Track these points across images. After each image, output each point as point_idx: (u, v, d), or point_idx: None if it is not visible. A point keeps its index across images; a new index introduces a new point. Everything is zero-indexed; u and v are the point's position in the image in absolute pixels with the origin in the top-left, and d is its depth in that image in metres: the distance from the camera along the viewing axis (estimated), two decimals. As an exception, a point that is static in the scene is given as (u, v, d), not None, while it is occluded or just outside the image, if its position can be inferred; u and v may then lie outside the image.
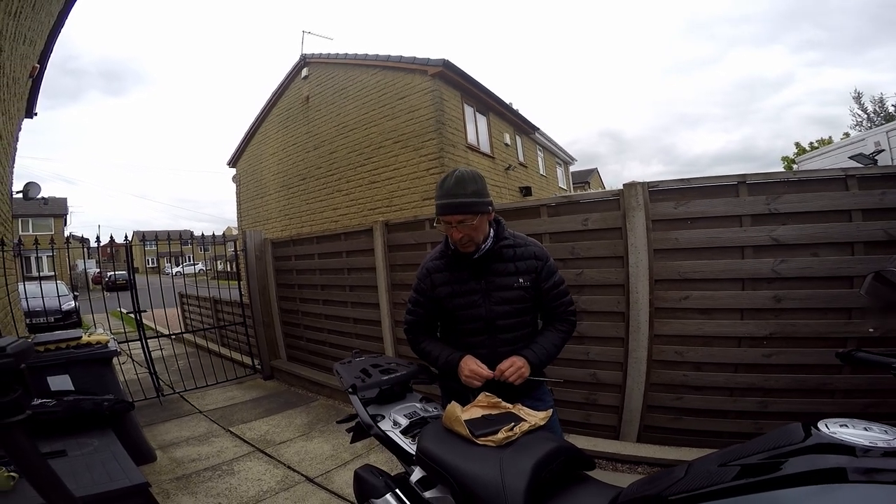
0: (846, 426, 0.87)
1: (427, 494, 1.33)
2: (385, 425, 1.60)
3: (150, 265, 40.17)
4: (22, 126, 6.25)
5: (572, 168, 20.08)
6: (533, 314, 1.75)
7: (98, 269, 25.06)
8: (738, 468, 0.88)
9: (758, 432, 2.52)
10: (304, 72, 11.26)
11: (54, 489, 0.85)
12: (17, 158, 6.20)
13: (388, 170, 9.21)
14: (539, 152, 14.82)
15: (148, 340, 5.08)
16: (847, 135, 20.08)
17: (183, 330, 8.10)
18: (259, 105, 13.04)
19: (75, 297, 11.80)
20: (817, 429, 0.88)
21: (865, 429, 0.86)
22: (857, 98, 22.54)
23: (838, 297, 2.37)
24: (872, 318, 2.29)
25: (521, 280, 1.65)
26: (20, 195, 6.95)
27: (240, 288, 5.85)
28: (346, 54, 10.16)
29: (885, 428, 0.85)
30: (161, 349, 6.03)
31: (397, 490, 1.42)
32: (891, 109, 20.84)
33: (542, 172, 14.83)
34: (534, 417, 1.36)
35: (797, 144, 24.35)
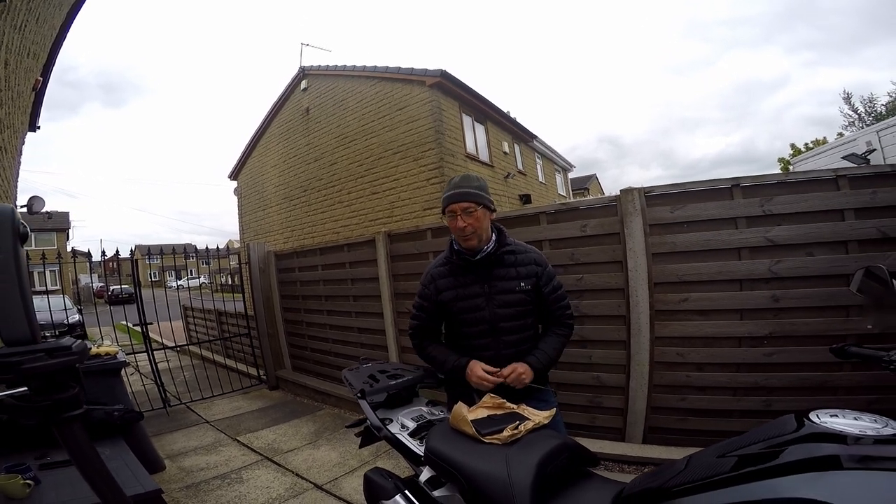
0: (836, 416, 0.91)
1: (436, 493, 1.37)
2: (394, 428, 1.65)
3: (153, 279, 40.24)
4: (25, 139, 6.30)
5: (571, 175, 20.17)
6: (534, 317, 1.80)
7: (102, 284, 25.15)
8: (736, 459, 0.91)
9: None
10: (304, 84, 11.38)
11: (108, 485, 0.89)
12: (20, 172, 6.26)
13: (389, 180, 9.28)
14: (538, 160, 14.90)
15: (154, 352, 5.13)
16: (841, 135, 20.11)
17: (188, 342, 8.12)
18: (259, 117, 13.16)
19: (80, 311, 11.86)
20: (809, 419, 0.92)
21: (855, 418, 0.89)
22: (847, 98, 22.48)
23: (836, 295, 2.40)
24: (868, 314, 2.33)
25: (522, 284, 1.72)
26: (24, 209, 6.97)
27: (244, 300, 5.89)
28: (345, 66, 10.27)
29: (875, 417, 0.89)
30: (167, 361, 6.05)
31: (406, 491, 1.46)
32: (881, 109, 20.83)
33: (541, 180, 14.90)
34: (538, 416, 1.40)
35: (792, 145, 24.39)
